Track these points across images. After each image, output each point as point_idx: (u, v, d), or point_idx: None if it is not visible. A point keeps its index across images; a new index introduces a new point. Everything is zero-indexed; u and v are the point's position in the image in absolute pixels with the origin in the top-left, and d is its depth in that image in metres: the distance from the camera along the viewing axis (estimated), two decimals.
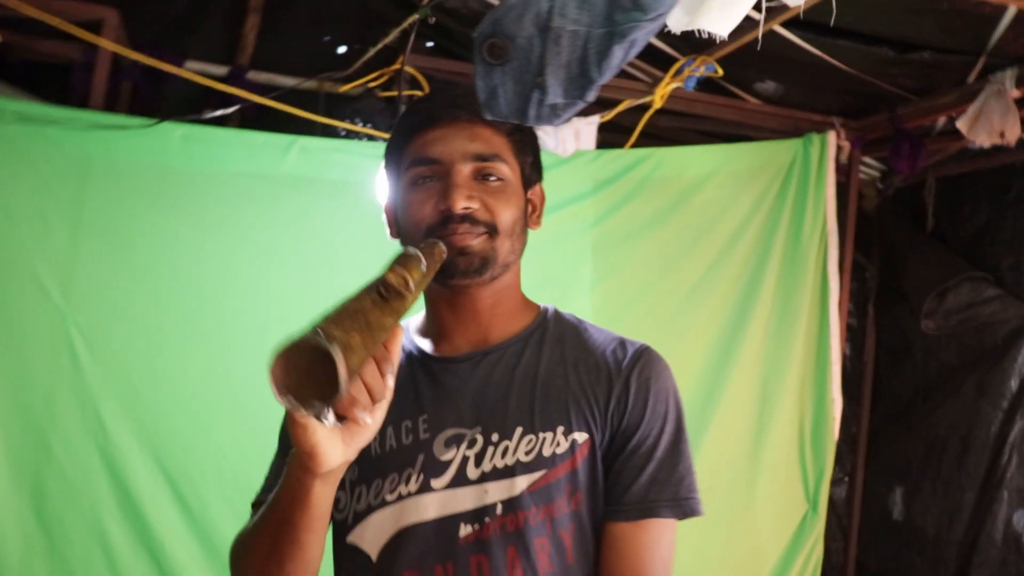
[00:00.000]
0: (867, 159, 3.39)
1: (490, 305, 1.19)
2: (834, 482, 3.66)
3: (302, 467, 0.94)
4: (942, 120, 2.99)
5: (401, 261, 0.96)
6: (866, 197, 3.68)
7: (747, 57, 2.84)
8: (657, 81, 2.72)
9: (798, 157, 2.95)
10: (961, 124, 2.55)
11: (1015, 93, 2.47)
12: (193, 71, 2.79)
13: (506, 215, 1.15)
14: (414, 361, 1.19)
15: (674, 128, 3.15)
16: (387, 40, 2.56)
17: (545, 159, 2.61)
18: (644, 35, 0.89)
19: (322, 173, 2.47)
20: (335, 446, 0.92)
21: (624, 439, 1.13)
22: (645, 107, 2.80)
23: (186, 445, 2.36)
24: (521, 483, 1.09)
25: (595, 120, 2.64)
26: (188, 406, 2.38)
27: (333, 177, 2.47)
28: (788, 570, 3.01)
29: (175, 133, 2.37)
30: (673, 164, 2.80)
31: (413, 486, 1.11)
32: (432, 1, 2.29)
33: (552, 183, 2.61)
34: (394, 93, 2.58)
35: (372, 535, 1.12)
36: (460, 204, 1.11)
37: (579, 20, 0.85)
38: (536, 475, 1.10)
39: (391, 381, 0.92)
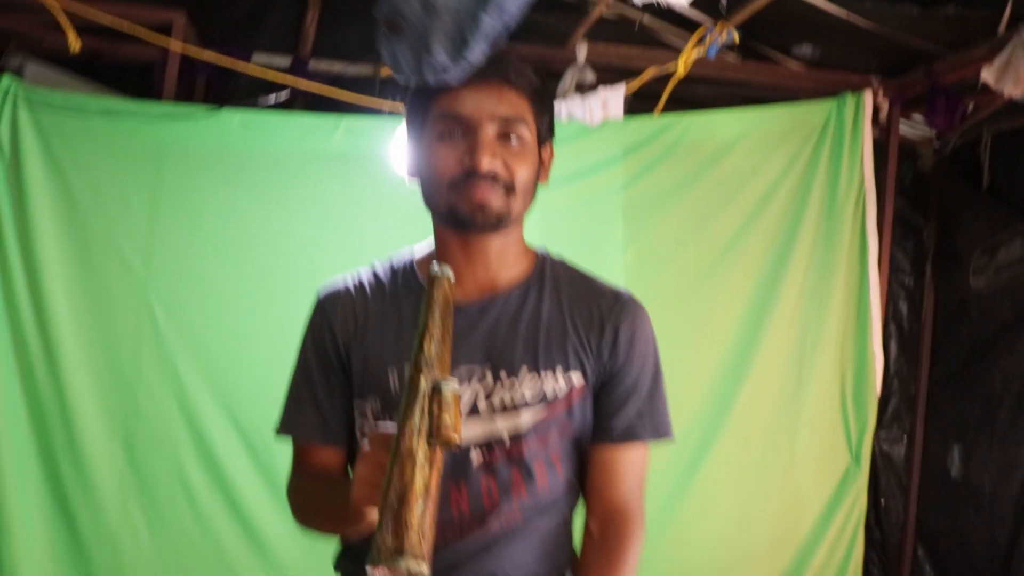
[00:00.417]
0: (919, 117, 3.38)
1: (498, 253, 1.30)
2: (893, 441, 3.68)
3: (349, 523, 1.10)
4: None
5: (444, 402, 0.97)
6: (922, 157, 3.66)
7: (781, 22, 2.91)
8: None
9: (832, 117, 2.98)
10: (987, 75, 2.56)
11: None
12: (259, 63, 3.09)
13: (523, 174, 1.25)
14: None
15: (713, 96, 3.23)
16: None
17: (573, 128, 2.80)
18: (513, 4, 1.05)
19: (367, 149, 2.71)
20: None
21: (612, 377, 1.31)
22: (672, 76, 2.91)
23: (253, 395, 2.63)
24: (525, 416, 1.25)
25: (621, 89, 2.77)
26: (254, 361, 2.65)
27: (376, 152, 2.70)
28: (831, 522, 3.07)
29: (234, 120, 2.65)
30: (702, 129, 2.89)
31: None
32: None
33: (581, 150, 2.84)
34: None
35: None
36: (485, 163, 1.21)
37: None
38: (538, 409, 1.26)
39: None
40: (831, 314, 3.02)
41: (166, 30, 2.79)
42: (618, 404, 1.30)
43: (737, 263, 2.94)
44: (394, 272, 1.35)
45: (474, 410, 1.25)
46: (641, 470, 1.33)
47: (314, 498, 1.30)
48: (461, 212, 1.24)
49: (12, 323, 2.57)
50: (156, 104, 2.69)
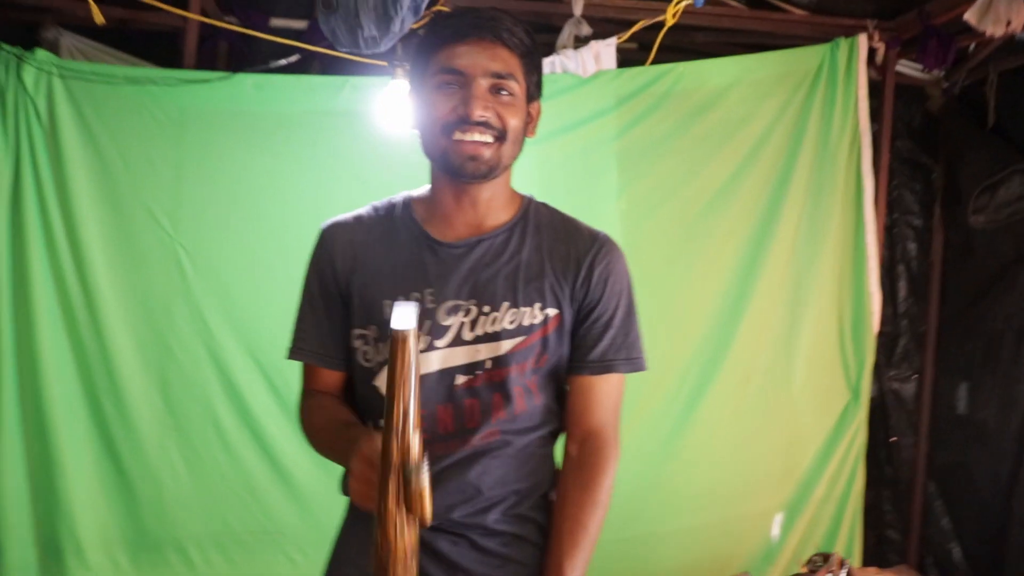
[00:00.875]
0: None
1: (487, 198, 1.44)
2: (903, 380, 3.75)
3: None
4: None
5: (413, 493, 1.07)
6: (932, 98, 3.68)
7: None
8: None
9: (825, 62, 3.04)
10: (970, 16, 2.60)
11: None
12: (277, 27, 3.26)
13: (513, 123, 1.38)
14: (421, 243, 1.44)
15: (712, 43, 3.31)
16: None
17: (567, 80, 2.93)
18: None
19: (371, 106, 2.86)
20: None
21: (588, 312, 1.45)
22: (676, 26, 2.99)
23: (274, 339, 2.78)
24: (505, 345, 1.39)
25: (612, 42, 2.87)
26: (275, 306, 2.78)
27: (379, 108, 2.85)
28: (830, 456, 3.18)
29: (247, 82, 2.83)
30: (695, 77, 2.98)
31: (421, 345, 1.38)
32: None
33: (575, 101, 2.96)
34: None
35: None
36: (477, 112, 1.35)
37: None
38: (517, 340, 1.40)
39: None
40: (826, 255, 3.11)
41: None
42: (594, 337, 1.44)
43: (731, 207, 3.04)
44: (391, 209, 1.50)
45: (459, 340, 1.40)
46: (616, 398, 1.47)
47: (320, 431, 1.45)
48: (454, 161, 1.38)
49: (56, 279, 2.80)
50: (175, 71, 2.88)
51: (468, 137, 1.36)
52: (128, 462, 2.86)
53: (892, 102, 3.22)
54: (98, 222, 2.82)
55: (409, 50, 3.10)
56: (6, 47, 2.74)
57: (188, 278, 2.87)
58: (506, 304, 1.40)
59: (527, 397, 1.42)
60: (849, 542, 3.18)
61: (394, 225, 1.48)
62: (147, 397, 2.86)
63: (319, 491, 2.80)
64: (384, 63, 3.00)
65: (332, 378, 1.50)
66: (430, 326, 1.39)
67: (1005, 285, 3.30)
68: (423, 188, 1.51)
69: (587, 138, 2.92)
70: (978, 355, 3.44)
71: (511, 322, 1.40)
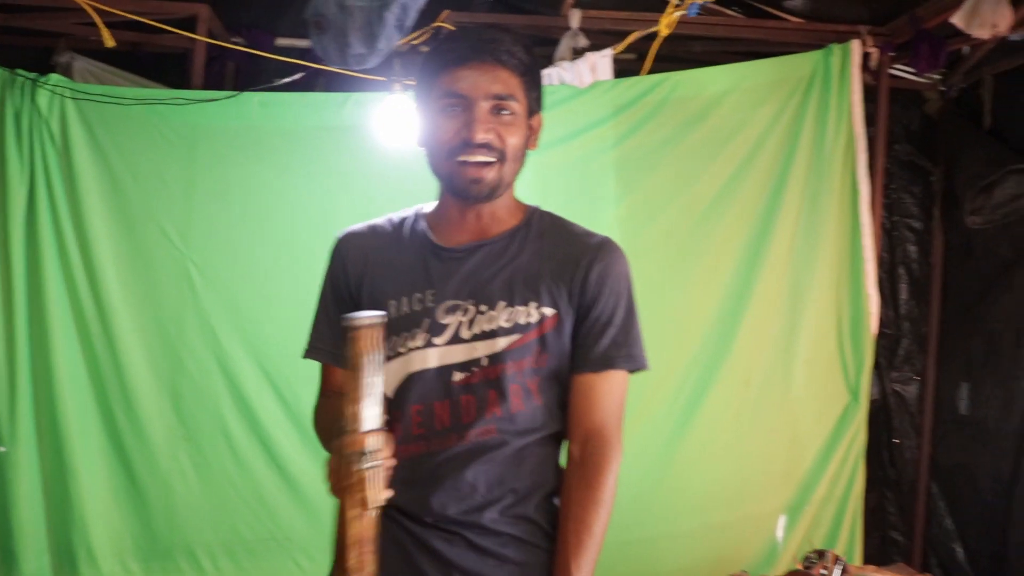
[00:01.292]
0: None
1: (490, 211, 1.49)
2: (905, 381, 3.78)
3: None
4: None
5: (367, 480, 1.22)
6: (929, 101, 3.72)
7: None
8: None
9: (819, 68, 3.08)
10: (957, 19, 2.64)
11: None
12: (282, 47, 3.35)
13: (513, 142, 1.44)
14: (426, 248, 1.50)
15: (708, 52, 3.36)
16: None
17: (564, 91, 2.99)
18: (412, 2, 1.27)
19: (373, 120, 2.93)
20: None
21: (587, 313, 1.48)
22: (672, 36, 3.05)
23: (282, 351, 2.90)
24: (501, 343, 1.42)
25: (608, 53, 2.93)
26: (283, 319, 2.90)
27: (380, 123, 2.92)
28: (831, 457, 3.20)
29: (254, 100, 2.92)
30: (690, 85, 3.03)
31: (420, 342, 1.43)
32: None
33: (573, 111, 3.01)
34: None
35: (389, 378, 1.41)
36: (479, 136, 1.40)
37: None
38: (513, 338, 1.43)
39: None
40: (824, 258, 3.15)
41: (192, 22, 3.06)
42: (595, 336, 1.47)
43: (729, 213, 3.08)
44: (404, 220, 1.57)
45: (457, 339, 1.45)
46: (618, 398, 1.47)
47: (325, 430, 1.49)
48: (458, 184, 1.45)
49: (70, 293, 2.90)
50: (186, 91, 2.97)
51: (471, 158, 1.42)
52: (140, 471, 2.94)
53: (887, 106, 3.26)
54: (111, 239, 2.92)
55: (412, 68, 3.19)
56: (21, 73, 2.84)
57: (198, 292, 2.95)
58: (502, 303, 1.44)
59: (525, 397, 1.45)
60: (850, 543, 3.21)
61: (403, 233, 1.54)
62: (159, 408, 2.95)
63: (326, 498, 2.83)
64: (384, 79, 3.09)
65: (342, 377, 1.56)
66: (429, 324, 1.45)
67: (1004, 285, 3.33)
68: (434, 203, 1.57)
69: (585, 147, 2.98)
70: (978, 355, 3.47)
71: (507, 320, 1.44)
